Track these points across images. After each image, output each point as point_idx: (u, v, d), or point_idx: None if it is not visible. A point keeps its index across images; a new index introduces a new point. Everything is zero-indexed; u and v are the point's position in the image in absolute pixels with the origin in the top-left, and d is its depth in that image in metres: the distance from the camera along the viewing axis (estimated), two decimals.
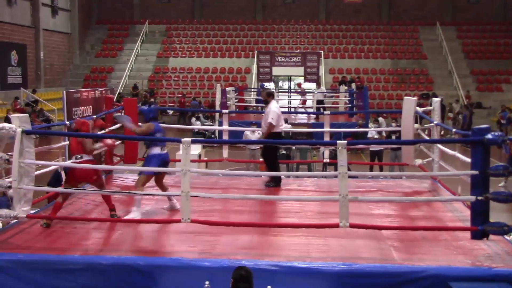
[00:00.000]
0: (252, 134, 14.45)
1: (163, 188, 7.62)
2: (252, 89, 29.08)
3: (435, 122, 9.20)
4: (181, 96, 30.40)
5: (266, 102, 9.56)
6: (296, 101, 26.18)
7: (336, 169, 6.19)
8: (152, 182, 7.60)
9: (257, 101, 26.20)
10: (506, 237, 6.40)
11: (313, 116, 21.54)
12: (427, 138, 10.49)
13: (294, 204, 7.93)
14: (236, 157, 13.97)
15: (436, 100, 9.62)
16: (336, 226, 6.07)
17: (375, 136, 15.59)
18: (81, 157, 7.04)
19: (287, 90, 30.93)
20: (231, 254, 5.91)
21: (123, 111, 9.83)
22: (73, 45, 33.85)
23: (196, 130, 22.32)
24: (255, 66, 31.16)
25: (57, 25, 31.75)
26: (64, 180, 7.47)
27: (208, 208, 7.42)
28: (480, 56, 33.01)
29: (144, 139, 7.37)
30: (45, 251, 5.95)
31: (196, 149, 13.44)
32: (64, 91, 9.72)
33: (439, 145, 9.02)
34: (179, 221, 6.22)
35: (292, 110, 24.70)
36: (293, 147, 14.62)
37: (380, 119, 19.14)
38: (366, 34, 35.03)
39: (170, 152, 7.76)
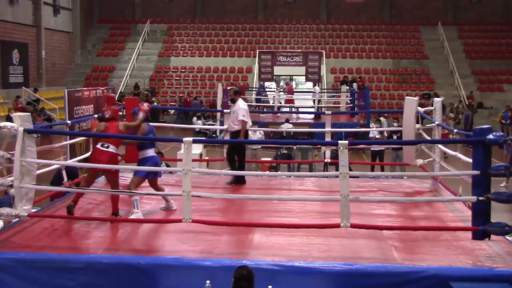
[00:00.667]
0: (253, 133, 14.43)
1: (158, 190, 7.57)
2: (254, 89, 29.06)
3: (436, 122, 9.20)
4: (185, 96, 30.34)
5: (233, 101, 9.51)
6: (282, 100, 25.93)
7: (337, 169, 6.19)
8: (146, 183, 7.57)
9: (257, 100, 26.19)
10: (507, 237, 6.41)
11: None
12: (428, 138, 10.48)
13: (295, 204, 7.92)
14: None
15: (437, 100, 9.62)
16: (337, 226, 6.08)
17: (377, 136, 15.59)
18: (108, 146, 6.98)
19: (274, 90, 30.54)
20: (232, 253, 5.91)
21: (124, 111, 9.85)
22: (75, 44, 33.84)
23: (197, 130, 22.33)
24: (256, 65, 31.15)
25: (58, 24, 31.75)
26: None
27: (209, 208, 7.42)
28: (482, 56, 32.98)
29: (146, 139, 7.34)
30: (46, 250, 5.95)
31: (197, 149, 13.44)
32: (66, 90, 9.75)
33: (440, 146, 9.02)
34: (180, 220, 6.22)
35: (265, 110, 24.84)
36: (295, 147, 14.62)
37: (382, 119, 19.14)
38: (367, 33, 35.01)
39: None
